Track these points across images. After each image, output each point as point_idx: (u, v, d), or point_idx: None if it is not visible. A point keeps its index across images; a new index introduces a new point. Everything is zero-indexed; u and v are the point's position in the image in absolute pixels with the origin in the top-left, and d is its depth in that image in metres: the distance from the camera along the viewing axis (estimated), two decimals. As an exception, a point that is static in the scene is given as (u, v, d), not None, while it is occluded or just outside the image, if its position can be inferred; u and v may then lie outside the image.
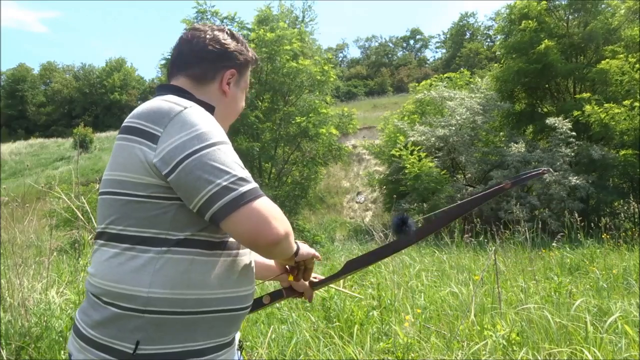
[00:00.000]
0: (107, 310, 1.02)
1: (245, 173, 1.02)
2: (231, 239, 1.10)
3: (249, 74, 1.32)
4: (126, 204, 1.04)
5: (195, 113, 1.04)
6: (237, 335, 1.26)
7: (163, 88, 1.18)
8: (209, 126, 1.03)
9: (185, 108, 1.04)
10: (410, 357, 2.50)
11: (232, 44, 1.23)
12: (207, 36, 1.20)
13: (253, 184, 1.01)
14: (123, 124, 1.09)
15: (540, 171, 1.33)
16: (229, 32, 1.25)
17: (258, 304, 1.33)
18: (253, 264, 1.20)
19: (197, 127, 1.01)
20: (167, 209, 1.03)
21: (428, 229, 1.47)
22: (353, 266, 1.35)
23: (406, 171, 13.42)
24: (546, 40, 13.68)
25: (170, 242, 1.02)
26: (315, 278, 1.40)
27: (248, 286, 1.15)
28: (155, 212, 1.02)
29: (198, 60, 1.19)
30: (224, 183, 0.97)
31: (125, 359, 1.00)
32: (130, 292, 1.00)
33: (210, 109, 1.15)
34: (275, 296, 1.38)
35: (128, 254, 1.03)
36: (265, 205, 1.01)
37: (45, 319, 2.82)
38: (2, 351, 2.68)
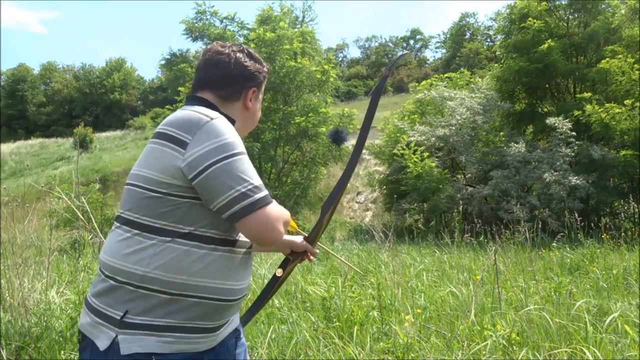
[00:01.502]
0: (107, 283, 1.20)
1: (259, 182, 1.21)
2: (231, 238, 1.25)
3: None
4: (147, 197, 1.20)
5: (220, 124, 1.20)
6: (232, 325, 1.36)
7: (194, 99, 1.34)
8: (232, 137, 1.19)
9: (212, 119, 1.20)
10: (410, 357, 2.50)
11: (252, 65, 1.38)
12: (232, 60, 1.35)
13: (265, 192, 1.21)
14: (157, 130, 1.25)
15: (405, 53, 1.51)
16: (247, 52, 1.40)
17: (275, 280, 1.48)
18: (247, 262, 1.32)
19: (222, 137, 1.17)
20: (180, 206, 1.18)
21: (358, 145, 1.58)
22: (328, 203, 1.49)
23: (408, 170, 13.41)
24: (549, 40, 13.68)
25: (175, 233, 1.18)
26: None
27: (238, 281, 1.27)
28: (169, 208, 1.18)
29: (225, 84, 1.34)
30: (243, 190, 1.16)
31: (114, 324, 1.15)
32: (129, 269, 1.16)
33: (231, 122, 1.29)
34: (284, 264, 1.51)
35: (136, 238, 1.19)
36: (273, 211, 1.21)
37: (45, 319, 2.82)
38: (2, 351, 2.68)
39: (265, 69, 1.44)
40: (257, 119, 1.46)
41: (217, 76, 1.34)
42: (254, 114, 1.42)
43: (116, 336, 1.14)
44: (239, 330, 1.42)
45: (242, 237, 1.28)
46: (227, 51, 1.36)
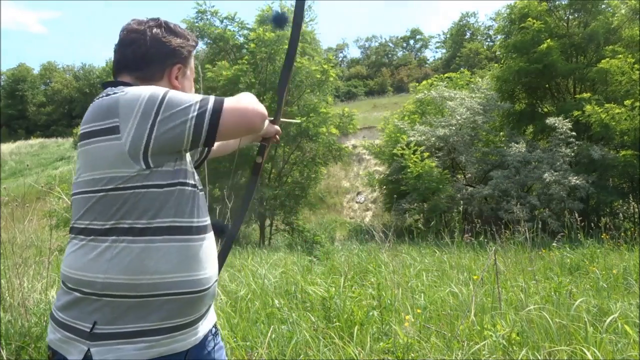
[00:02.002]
0: (72, 295, 1.14)
1: (198, 96, 1.15)
2: (187, 224, 1.17)
3: (193, 58, 1.36)
4: (94, 201, 1.13)
5: (132, 90, 1.13)
6: (209, 320, 1.31)
7: (109, 84, 1.23)
8: (147, 90, 1.12)
9: (123, 91, 1.13)
10: (410, 357, 2.50)
11: (172, 40, 1.25)
12: (147, 37, 1.23)
13: (211, 97, 1.15)
14: (81, 132, 1.17)
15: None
16: (166, 26, 1.27)
17: (258, 167, 1.54)
18: (210, 249, 1.24)
19: (141, 98, 1.10)
20: (127, 199, 1.10)
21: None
22: (282, 85, 1.54)
23: (408, 170, 13.41)
24: (548, 40, 13.67)
25: (128, 231, 1.11)
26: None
27: (202, 270, 1.19)
28: (116, 205, 1.11)
29: (143, 64, 1.23)
30: (194, 114, 1.11)
31: (84, 337, 1.09)
32: (89, 279, 1.10)
33: None
34: (261, 151, 1.59)
35: (91, 244, 1.12)
36: (233, 101, 1.17)
37: (45, 319, 2.82)
38: (2, 351, 2.68)
39: (191, 42, 1.31)
40: None
41: (133, 56, 1.23)
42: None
43: (88, 349, 1.08)
44: (217, 329, 1.37)
45: (198, 223, 1.20)
46: (142, 28, 1.23)
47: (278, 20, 1.57)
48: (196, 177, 1.24)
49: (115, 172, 1.10)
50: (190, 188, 1.18)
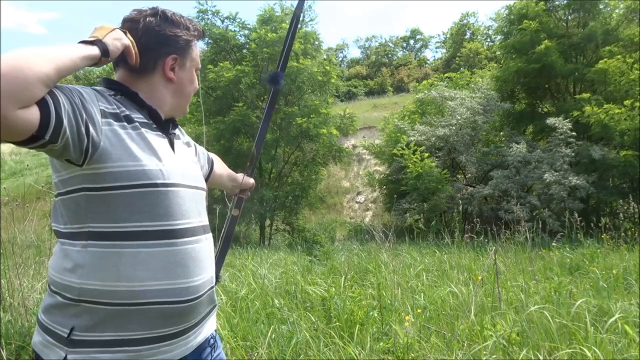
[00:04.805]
0: (54, 299, 1.10)
1: None
2: (166, 228, 1.08)
3: (196, 49, 1.28)
4: (59, 204, 1.10)
5: None
6: (208, 328, 1.25)
7: (106, 82, 1.21)
8: None
9: None
10: (410, 357, 2.50)
11: (167, 30, 1.18)
12: (140, 27, 1.16)
13: None
14: None
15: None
16: (162, 14, 1.19)
17: (234, 220, 1.54)
18: (202, 252, 1.16)
19: None
20: (79, 200, 1.05)
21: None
22: (258, 143, 1.60)
23: (408, 170, 13.41)
24: (546, 41, 13.68)
25: (95, 235, 1.05)
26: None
27: (187, 278, 1.11)
28: (74, 208, 1.07)
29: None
30: None
31: (62, 342, 1.05)
32: (67, 283, 1.07)
33: (132, 94, 1.17)
34: (239, 203, 1.60)
35: (66, 248, 1.09)
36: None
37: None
38: (2, 351, 2.68)
39: (191, 32, 1.22)
40: (189, 91, 1.27)
41: None
42: (181, 85, 1.23)
43: (66, 356, 1.04)
44: (214, 337, 1.30)
45: (181, 225, 1.11)
46: (138, 18, 1.17)
47: (272, 79, 1.57)
48: (177, 173, 1.14)
49: (63, 172, 1.06)
50: (161, 188, 1.09)
